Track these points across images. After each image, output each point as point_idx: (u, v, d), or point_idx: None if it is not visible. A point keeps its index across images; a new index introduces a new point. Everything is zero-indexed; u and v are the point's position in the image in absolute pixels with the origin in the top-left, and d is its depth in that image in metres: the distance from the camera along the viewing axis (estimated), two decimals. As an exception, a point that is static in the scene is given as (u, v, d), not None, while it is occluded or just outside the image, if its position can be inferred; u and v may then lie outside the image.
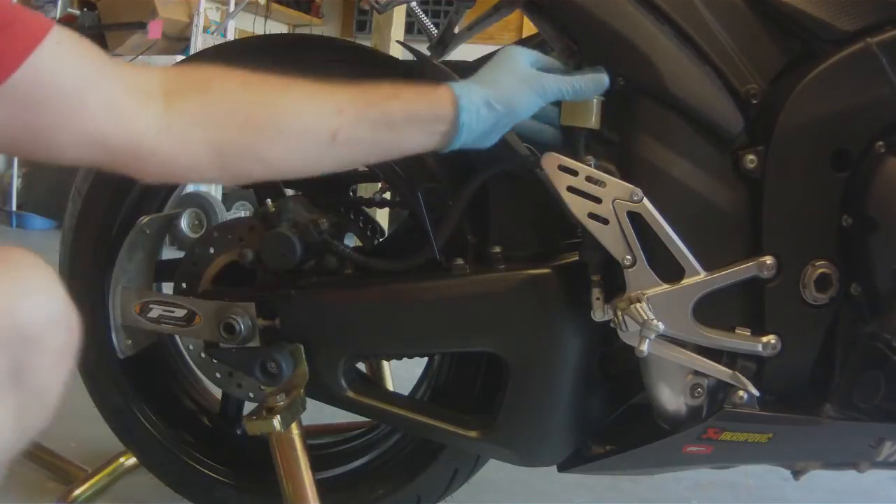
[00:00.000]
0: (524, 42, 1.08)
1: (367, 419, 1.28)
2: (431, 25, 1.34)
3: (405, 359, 1.17)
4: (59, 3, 4.43)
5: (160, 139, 0.74)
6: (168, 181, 0.78)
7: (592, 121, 0.93)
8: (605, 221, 0.93)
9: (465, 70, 1.09)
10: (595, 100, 0.92)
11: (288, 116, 0.81)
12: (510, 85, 0.88)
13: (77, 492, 1.34)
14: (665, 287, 0.94)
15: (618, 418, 1.10)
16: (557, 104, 0.94)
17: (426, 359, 1.27)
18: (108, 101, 0.72)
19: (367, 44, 2.40)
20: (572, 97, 0.91)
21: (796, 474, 1.08)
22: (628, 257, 0.93)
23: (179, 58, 2.72)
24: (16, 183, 4.52)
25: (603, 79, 0.91)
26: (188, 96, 0.77)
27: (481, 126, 0.87)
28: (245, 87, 0.81)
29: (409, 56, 1.04)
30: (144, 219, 1.16)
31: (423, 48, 1.21)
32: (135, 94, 0.74)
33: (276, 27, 5.92)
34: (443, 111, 0.85)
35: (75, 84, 0.70)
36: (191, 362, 1.25)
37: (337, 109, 0.82)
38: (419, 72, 1.04)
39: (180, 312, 1.11)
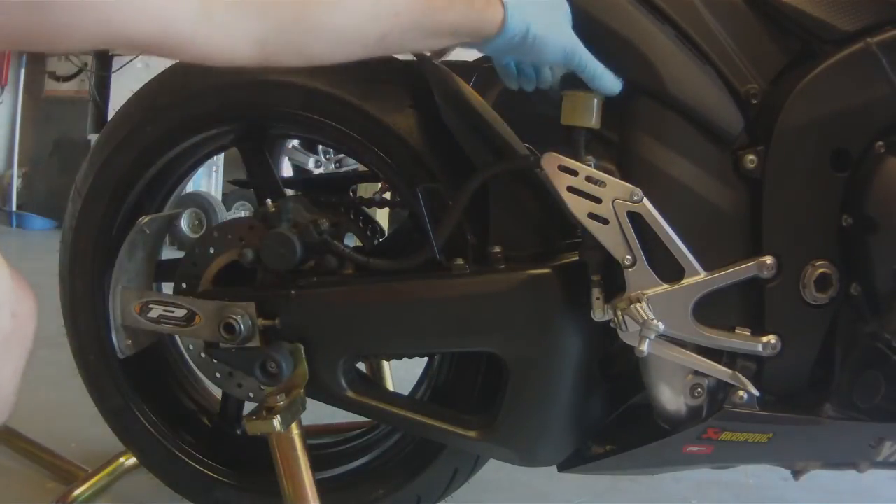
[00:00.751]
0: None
1: (367, 419, 1.28)
2: (431, 25, 1.34)
3: (405, 359, 1.17)
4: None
5: (197, 29, 0.67)
6: (204, 66, 0.74)
7: (592, 121, 0.93)
8: (605, 221, 0.93)
9: (466, 69, 1.08)
10: (595, 100, 0.93)
11: (343, 16, 0.77)
12: (556, 33, 0.89)
13: (77, 492, 1.34)
14: (665, 287, 0.94)
15: (618, 418, 1.10)
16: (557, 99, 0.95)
17: (426, 359, 1.27)
18: None
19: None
20: (588, 77, 0.91)
21: (796, 474, 1.08)
22: (628, 257, 0.93)
23: (179, 58, 2.70)
24: (16, 183, 4.52)
25: (618, 83, 0.92)
26: None
27: (511, 49, 0.88)
28: None
29: (409, 55, 1.04)
30: (144, 219, 1.16)
31: (423, 48, 1.21)
32: None
33: (276, 27, 5.90)
34: (489, 29, 0.86)
35: None
36: (191, 362, 1.25)
37: (394, 13, 0.79)
38: (418, 72, 1.04)
39: (180, 312, 1.11)
